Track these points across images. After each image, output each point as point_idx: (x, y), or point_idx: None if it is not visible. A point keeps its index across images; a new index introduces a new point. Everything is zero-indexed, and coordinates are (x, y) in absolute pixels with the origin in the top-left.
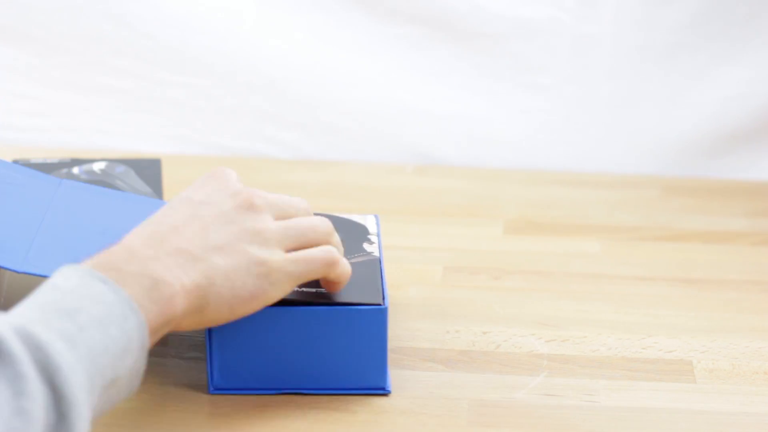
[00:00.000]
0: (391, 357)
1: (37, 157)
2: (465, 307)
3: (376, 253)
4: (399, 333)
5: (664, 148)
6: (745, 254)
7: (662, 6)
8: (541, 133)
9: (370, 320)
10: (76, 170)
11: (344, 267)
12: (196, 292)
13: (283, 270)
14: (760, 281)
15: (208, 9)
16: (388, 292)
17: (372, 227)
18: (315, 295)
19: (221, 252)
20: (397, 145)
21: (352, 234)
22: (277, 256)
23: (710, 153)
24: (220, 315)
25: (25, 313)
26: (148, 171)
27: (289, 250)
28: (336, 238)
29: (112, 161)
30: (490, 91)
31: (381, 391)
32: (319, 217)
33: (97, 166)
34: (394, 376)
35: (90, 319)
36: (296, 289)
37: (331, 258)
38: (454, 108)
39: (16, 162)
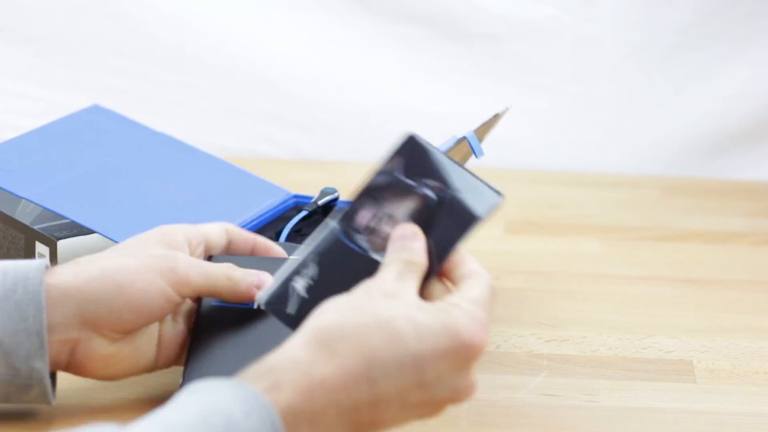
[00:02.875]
0: None
1: None
2: None
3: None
4: None
5: (664, 148)
6: (745, 254)
7: (663, 6)
8: (541, 134)
9: None
10: None
11: None
12: None
13: None
14: (760, 281)
15: (208, 9)
16: None
17: None
18: None
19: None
20: None
21: None
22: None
23: (710, 153)
24: None
25: None
26: None
27: None
28: None
29: None
30: (490, 91)
31: None
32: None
33: None
34: None
35: None
36: None
37: None
38: (454, 108)
39: None
